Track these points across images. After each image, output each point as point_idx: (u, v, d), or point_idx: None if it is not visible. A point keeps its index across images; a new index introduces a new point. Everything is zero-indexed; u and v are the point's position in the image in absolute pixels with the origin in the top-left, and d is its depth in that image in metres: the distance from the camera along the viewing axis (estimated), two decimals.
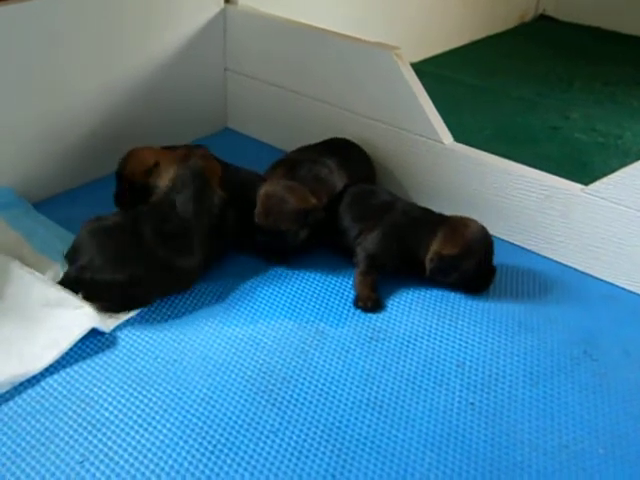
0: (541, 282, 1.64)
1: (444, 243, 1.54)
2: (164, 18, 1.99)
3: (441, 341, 1.46)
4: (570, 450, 1.22)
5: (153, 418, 1.25)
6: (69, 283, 1.47)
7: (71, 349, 1.37)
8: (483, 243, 1.56)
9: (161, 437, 1.21)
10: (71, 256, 1.49)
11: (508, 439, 1.24)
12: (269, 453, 1.19)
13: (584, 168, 2.12)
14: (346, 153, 1.85)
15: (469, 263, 1.53)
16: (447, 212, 1.83)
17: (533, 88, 2.75)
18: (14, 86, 1.72)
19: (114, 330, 1.43)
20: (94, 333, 1.40)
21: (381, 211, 1.65)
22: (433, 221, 1.60)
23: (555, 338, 1.47)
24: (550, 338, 1.47)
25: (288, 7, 2.19)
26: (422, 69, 2.29)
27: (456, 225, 1.57)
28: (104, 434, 1.21)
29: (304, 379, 1.35)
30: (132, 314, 1.47)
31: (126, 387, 1.31)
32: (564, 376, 1.38)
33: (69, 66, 1.80)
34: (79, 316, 1.40)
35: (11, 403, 1.26)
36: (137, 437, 1.21)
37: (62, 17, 1.75)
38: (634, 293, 1.61)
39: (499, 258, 1.70)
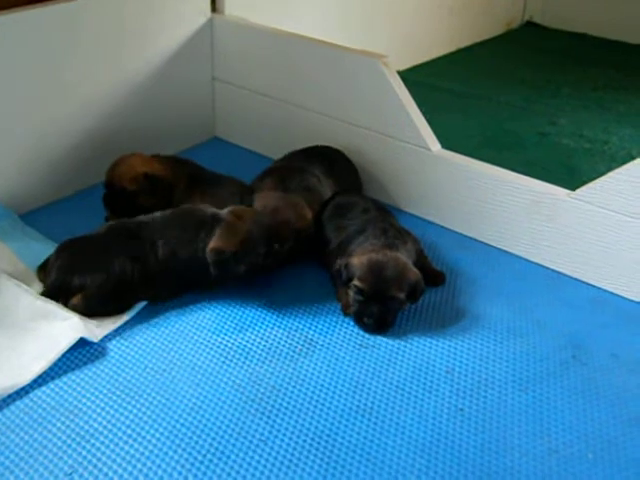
0: (529, 287, 1.64)
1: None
2: (151, 29, 1.99)
3: (430, 348, 1.46)
4: (560, 455, 1.23)
5: (142, 428, 1.25)
6: (52, 288, 1.48)
7: (59, 360, 1.36)
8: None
9: (150, 447, 1.21)
10: (46, 265, 1.51)
11: (498, 444, 1.24)
12: (259, 462, 1.19)
13: (571, 173, 2.14)
14: (332, 161, 1.86)
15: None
16: (435, 219, 1.85)
17: (521, 94, 2.76)
18: (1, 98, 1.71)
19: (103, 340, 1.43)
20: (83, 344, 1.40)
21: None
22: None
23: (544, 343, 1.48)
24: (539, 343, 1.48)
25: (275, 16, 2.20)
26: (409, 77, 2.30)
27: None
28: (93, 445, 1.21)
29: (294, 387, 1.35)
30: (120, 323, 1.47)
31: (115, 397, 1.31)
32: (553, 381, 1.38)
33: (55, 78, 1.81)
34: (67, 327, 1.40)
35: None
36: (126, 447, 1.21)
37: (48, 31, 1.75)
38: (621, 297, 1.61)
39: (487, 264, 1.71)
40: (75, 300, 1.45)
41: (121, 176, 1.72)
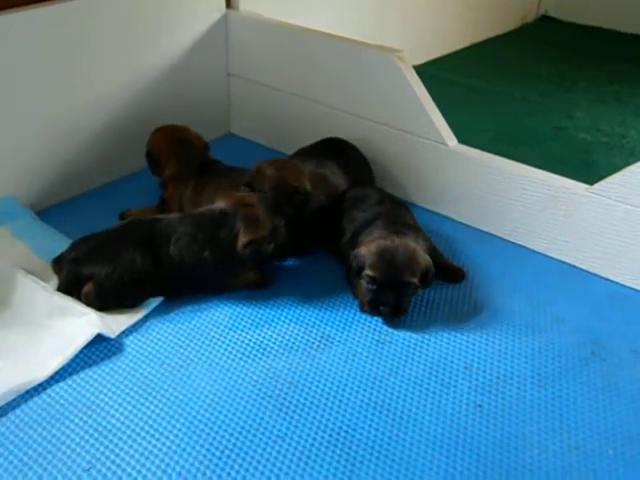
0: (547, 282, 1.63)
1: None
2: (166, 25, 1.99)
3: (448, 343, 1.45)
4: (580, 451, 1.22)
5: (160, 424, 1.25)
6: (66, 280, 1.49)
7: (77, 356, 1.36)
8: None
9: (168, 443, 1.21)
10: (60, 258, 1.52)
11: (517, 441, 1.23)
12: (276, 458, 1.18)
13: (589, 168, 2.12)
14: (345, 155, 1.85)
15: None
16: (452, 214, 1.84)
17: (536, 88, 2.74)
18: (17, 95, 1.72)
19: (120, 336, 1.43)
20: (100, 339, 1.40)
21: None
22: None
23: (563, 339, 1.47)
24: (557, 339, 1.46)
25: (289, 11, 2.19)
26: (424, 72, 2.28)
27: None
28: (110, 441, 1.21)
29: (311, 383, 1.34)
30: (136, 319, 1.47)
31: (132, 393, 1.31)
32: (572, 377, 1.37)
33: (71, 75, 1.81)
34: (84, 323, 1.40)
35: (18, 411, 1.26)
36: (144, 443, 1.21)
37: (64, 26, 1.75)
38: None
39: (504, 259, 1.70)
40: (86, 288, 1.46)
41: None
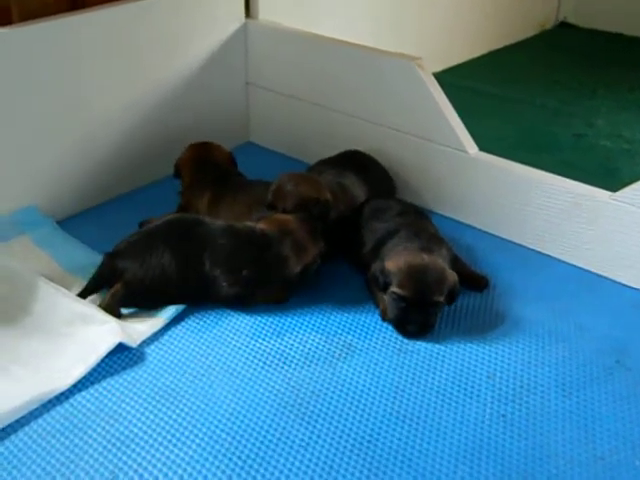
0: (570, 291, 1.62)
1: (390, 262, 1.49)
2: (186, 35, 2.00)
3: (471, 352, 1.44)
4: (606, 462, 1.20)
5: (182, 433, 1.24)
6: (103, 269, 1.50)
7: (99, 365, 1.36)
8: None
9: (190, 452, 1.20)
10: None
11: (542, 451, 1.22)
12: (299, 467, 1.18)
13: (611, 175, 2.10)
14: (365, 167, 1.85)
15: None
16: (474, 222, 1.83)
17: (556, 96, 2.73)
18: (38, 104, 1.73)
19: (141, 345, 1.43)
20: (122, 348, 1.40)
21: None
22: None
23: (587, 347, 1.45)
24: (582, 348, 1.45)
25: (308, 20, 2.20)
26: (443, 79, 2.27)
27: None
28: (133, 450, 1.21)
29: (333, 392, 1.34)
30: (157, 328, 1.47)
31: (154, 402, 1.31)
32: (597, 386, 1.36)
33: (92, 83, 1.82)
34: (105, 331, 1.40)
35: (40, 420, 1.26)
36: (166, 453, 1.20)
37: (85, 35, 1.77)
38: None
39: (527, 267, 1.68)
40: (114, 289, 1.47)
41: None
